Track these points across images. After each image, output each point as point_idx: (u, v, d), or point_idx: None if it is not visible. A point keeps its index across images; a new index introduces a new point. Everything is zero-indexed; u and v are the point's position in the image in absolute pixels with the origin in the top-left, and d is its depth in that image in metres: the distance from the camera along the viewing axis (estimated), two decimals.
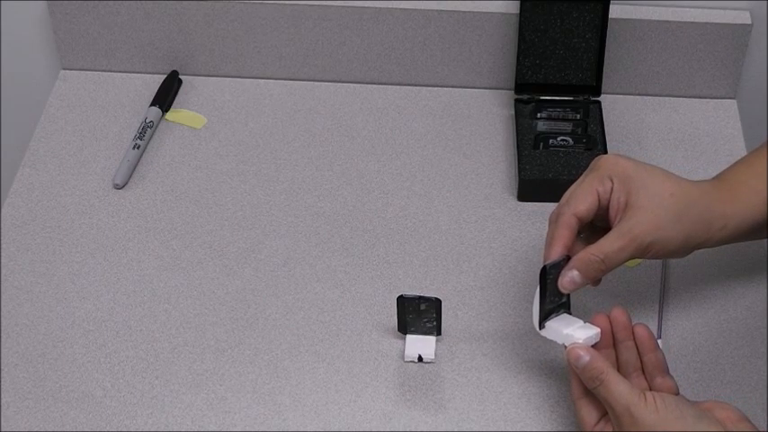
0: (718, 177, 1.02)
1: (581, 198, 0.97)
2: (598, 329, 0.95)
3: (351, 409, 1.02)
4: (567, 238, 0.96)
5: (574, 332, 0.95)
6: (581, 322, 0.97)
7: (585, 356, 0.92)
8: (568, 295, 0.98)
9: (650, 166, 0.98)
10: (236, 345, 1.06)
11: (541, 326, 0.97)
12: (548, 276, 0.96)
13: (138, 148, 1.22)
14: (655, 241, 0.95)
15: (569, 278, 0.95)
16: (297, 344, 1.06)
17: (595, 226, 0.99)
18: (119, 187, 1.19)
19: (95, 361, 1.05)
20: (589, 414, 0.93)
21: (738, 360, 1.05)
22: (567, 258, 0.96)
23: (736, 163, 1.04)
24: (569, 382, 0.95)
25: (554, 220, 0.97)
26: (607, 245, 0.95)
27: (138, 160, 1.22)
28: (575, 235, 0.97)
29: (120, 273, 1.12)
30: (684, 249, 0.98)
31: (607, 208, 0.97)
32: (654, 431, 0.88)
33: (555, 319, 0.97)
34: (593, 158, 0.99)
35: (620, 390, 0.90)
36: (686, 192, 0.97)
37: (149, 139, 1.24)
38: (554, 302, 0.97)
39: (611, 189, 0.96)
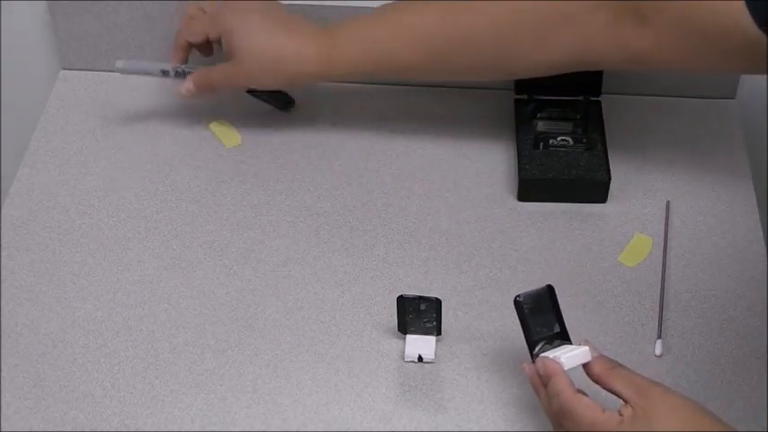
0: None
1: None
2: (585, 348, 0.93)
3: (351, 409, 1.02)
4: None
5: (560, 356, 0.93)
6: (571, 347, 0.95)
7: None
8: (562, 325, 0.96)
9: None
10: (236, 345, 1.06)
11: (533, 359, 0.95)
12: (524, 307, 0.95)
13: (166, 74, 1.21)
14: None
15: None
16: (297, 344, 1.06)
17: None
18: (117, 68, 1.22)
19: (95, 361, 1.05)
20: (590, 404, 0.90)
21: (738, 360, 1.05)
22: (546, 288, 0.96)
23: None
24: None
25: None
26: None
27: (149, 73, 1.22)
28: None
29: (120, 273, 1.12)
30: None
31: None
32: None
33: (550, 351, 0.95)
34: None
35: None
36: None
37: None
38: (541, 333, 0.96)
39: None
